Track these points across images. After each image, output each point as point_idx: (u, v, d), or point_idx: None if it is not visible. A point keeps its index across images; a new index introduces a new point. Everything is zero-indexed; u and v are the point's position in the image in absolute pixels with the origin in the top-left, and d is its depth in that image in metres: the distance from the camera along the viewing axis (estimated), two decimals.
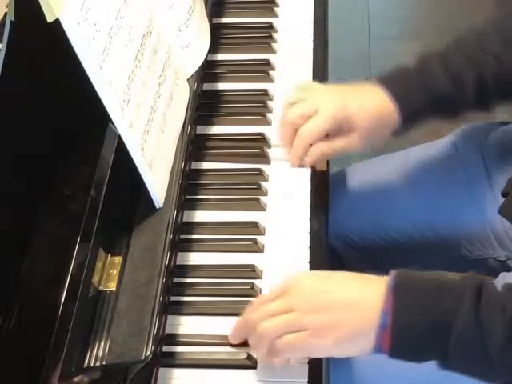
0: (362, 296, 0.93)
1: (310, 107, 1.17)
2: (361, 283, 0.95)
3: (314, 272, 1.00)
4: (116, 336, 0.91)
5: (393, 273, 0.94)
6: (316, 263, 1.08)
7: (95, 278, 0.94)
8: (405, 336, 0.91)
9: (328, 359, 0.99)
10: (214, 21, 1.40)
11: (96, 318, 0.93)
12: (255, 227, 1.11)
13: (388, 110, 1.16)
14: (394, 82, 1.18)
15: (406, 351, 0.92)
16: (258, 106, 1.28)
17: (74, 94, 0.95)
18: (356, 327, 0.92)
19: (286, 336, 0.93)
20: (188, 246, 1.10)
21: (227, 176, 1.19)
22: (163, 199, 1.03)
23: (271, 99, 1.28)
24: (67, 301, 0.84)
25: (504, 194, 1.22)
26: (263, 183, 1.17)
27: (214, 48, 1.33)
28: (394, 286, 0.92)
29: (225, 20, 1.43)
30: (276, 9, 1.44)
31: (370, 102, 1.16)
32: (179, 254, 1.08)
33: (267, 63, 1.32)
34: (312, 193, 1.16)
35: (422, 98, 1.17)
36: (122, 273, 0.96)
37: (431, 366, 0.94)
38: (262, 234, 1.11)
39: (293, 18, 1.42)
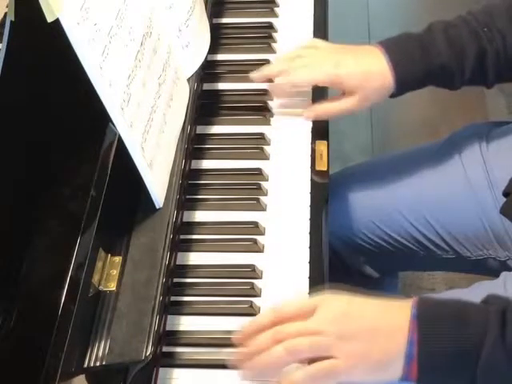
0: (388, 324, 0.92)
1: (305, 60, 1.22)
2: (385, 309, 0.94)
3: (341, 296, 0.95)
4: (116, 336, 0.91)
5: (415, 301, 0.93)
6: (316, 263, 1.08)
7: (95, 278, 0.94)
8: (432, 365, 0.90)
9: None
10: (214, 21, 1.40)
11: (96, 318, 0.93)
12: (255, 227, 1.11)
13: (384, 73, 1.18)
14: (395, 47, 1.20)
15: (434, 380, 0.92)
16: (258, 105, 1.27)
17: (74, 93, 0.95)
18: (385, 355, 0.91)
19: (317, 363, 0.90)
20: (188, 246, 1.10)
21: (227, 176, 1.19)
22: (163, 199, 1.03)
23: (271, 99, 1.28)
24: (67, 301, 0.84)
25: (505, 194, 1.22)
26: (263, 183, 1.17)
27: (214, 48, 1.33)
28: (418, 314, 0.91)
29: (225, 20, 1.43)
30: (276, 9, 1.44)
31: (366, 63, 1.19)
32: (179, 254, 1.08)
33: (267, 63, 1.32)
34: (312, 193, 1.16)
35: (420, 66, 1.19)
36: (122, 273, 0.96)
37: None
38: (262, 233, 1.11)
39: (293, 17, 1.42)
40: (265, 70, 1.25)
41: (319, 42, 1.28)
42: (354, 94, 1.19)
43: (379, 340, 0.91)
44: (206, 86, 1.30)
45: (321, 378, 0.91)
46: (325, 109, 1.23)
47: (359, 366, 0.91)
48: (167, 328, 1.01)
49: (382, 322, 0.92)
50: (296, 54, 1.25)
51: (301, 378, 0.91)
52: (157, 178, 1.02)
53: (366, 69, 1.19)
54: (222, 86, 1.32)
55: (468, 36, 1.19)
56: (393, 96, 1.22)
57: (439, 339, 0.90)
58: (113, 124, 0.94)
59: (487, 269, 1.32)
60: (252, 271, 1.07)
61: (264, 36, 1.39)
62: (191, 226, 1.12)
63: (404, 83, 1.20)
